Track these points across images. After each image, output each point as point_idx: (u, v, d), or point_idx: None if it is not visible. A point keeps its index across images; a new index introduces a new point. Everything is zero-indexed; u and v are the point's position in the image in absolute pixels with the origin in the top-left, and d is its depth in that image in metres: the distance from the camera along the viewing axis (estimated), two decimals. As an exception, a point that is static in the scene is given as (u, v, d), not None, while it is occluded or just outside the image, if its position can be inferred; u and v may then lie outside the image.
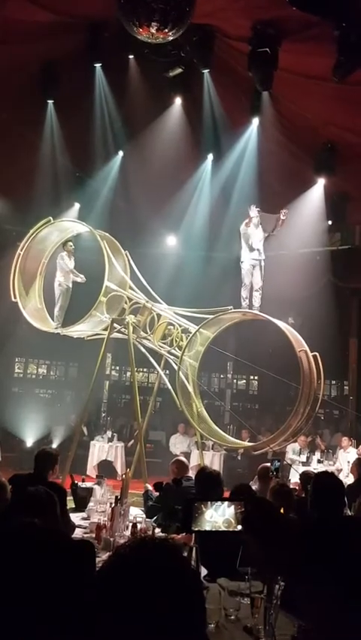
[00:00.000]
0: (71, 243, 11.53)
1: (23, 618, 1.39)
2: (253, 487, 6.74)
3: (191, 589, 1.22)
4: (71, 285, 11.43)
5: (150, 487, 7.33)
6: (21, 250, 11.16)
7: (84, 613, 1.21)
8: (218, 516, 2.76)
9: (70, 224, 11.83)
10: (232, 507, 2.76)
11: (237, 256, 12.57)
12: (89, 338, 11.52)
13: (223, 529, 2.75)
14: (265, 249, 11.00)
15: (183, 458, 7.72)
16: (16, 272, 11.08)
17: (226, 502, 2.76)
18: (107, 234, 11.22)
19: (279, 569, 2.84)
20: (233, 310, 10.69)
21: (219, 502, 2.76)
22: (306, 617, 2.57)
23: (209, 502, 2.76)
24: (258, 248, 10.81)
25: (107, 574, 1.23)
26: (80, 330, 11.19)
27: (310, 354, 10.25)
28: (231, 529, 2.75)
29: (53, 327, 11.26)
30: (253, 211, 10.80)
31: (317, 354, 10.27)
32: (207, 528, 2.75)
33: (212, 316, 10.65)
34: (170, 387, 11.10)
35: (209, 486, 5.39)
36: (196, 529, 2.76)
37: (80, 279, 11.49)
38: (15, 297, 10.96)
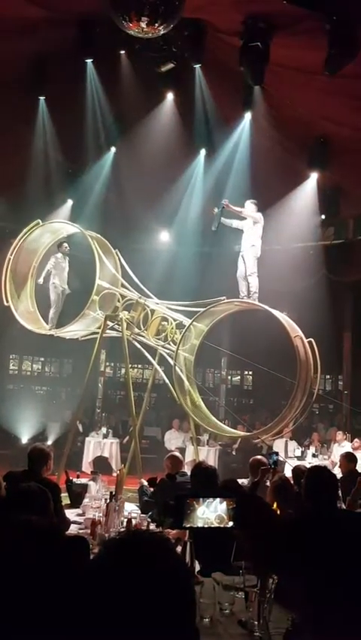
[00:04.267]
0: (66, 244, 11.51)
1: (16, 614, 1.39)
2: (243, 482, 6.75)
3: (180, 581, 1.22)
4: (67, 287, 11.41)
5: (145, 483, 7.34)
6: (11, 254, 11.12)
7: (77, 608, 1.21)
8: (210, 512, 2.76)
9: (60, 225, 11.78)
10: (224, 503, 2.76)
11: (231, 250, 12.57)
12: (83, 338, 11.50)
13: (216, 525, 2.74)
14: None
15: (177, 453, 7.71)
16: (7, 276, 11.04)
17: (218, 498, 2.76)
18: (97, 234, 11.20)
19: (271, 564, 2.84)
20: (226, 301, 10.67)
21: (211, 498, 2.76)
22: (299, 610, 2.57)
23: (201, 499, 2.76)
24: None
25: (96, 566, 1.23)
26: (74, 329, 11.17)
27: (306, 341, 10.26)
28: (223, 525, 2.75)
29: (47, 328, 11.25)
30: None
31: (312, 340, 10.27)
32: (200, 524, 2.75)
33: (204, 308, 10.63)
34: (167, 381, 11.10)
35: (205, 481, 5.40)
36: (188, 525, 2.76)
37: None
38: (7, 302, 10.94)
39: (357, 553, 2.70)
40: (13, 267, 11.14)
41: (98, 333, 10.86)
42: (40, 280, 11.30)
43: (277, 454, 7.08)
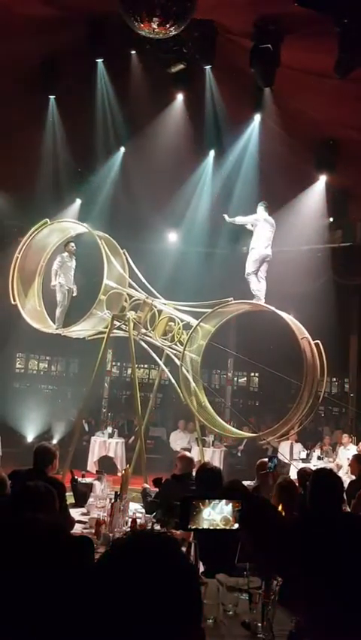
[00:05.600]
0: (72, 244, 11.53)
1: (20, 613, 1.40)
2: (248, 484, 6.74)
3: (187, 582, 1.22)
4: (72, 286, 11.42)
5: (148, 486, 7.35)
6: (19, 253, 11.15)
7: (82, 607, 1.22)
8: (216, 514, 2.76)
9: (69, 224, 11.80)
10: (230, 505, 2.76)
11: (238, 251, 12.58)
12: (90, 338, 11.51)
13: (221, 527, 2.74)
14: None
15: (190, 455, 7.61)
16: (15, 274, 11.06)
17: (224, 500, 2.76)
18: (105, 234, 11.21)
19: (275, 568, 2.84)
20: (233, 302, 10.67)
21: (216, 500, 2.76)
22: (303, 615, 2.57)
23: (207, 500, 2.76)
24: None
25: (103, 566, 1.24)
26: (81, 329, 11.18)
27: (313, 343, 10.25)
28: (229, 528, 2.75)
29: (54, 327, 11.27)
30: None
31: (319, 342, 10.26)
32: (205, 526, 2.75)
33: (212, 309, 10.64)
34: (173, 381, 11.10)
35: (210, 482, 5.40)
36: (194, 527, 2.76)
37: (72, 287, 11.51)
38: (15, 300, 10.96)
39: (361, 556, 2.69)
40: (20, 265, 11.16)
41: (104, 332, 10.87)
42: (53, 283, 11.32)
43: (276, 458, 7.07)
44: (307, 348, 10.20)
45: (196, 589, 1.26)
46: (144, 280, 10.99)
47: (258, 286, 10.57)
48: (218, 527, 2.74)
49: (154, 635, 1.13)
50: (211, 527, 2.74)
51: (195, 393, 11.01)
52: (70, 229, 11.74)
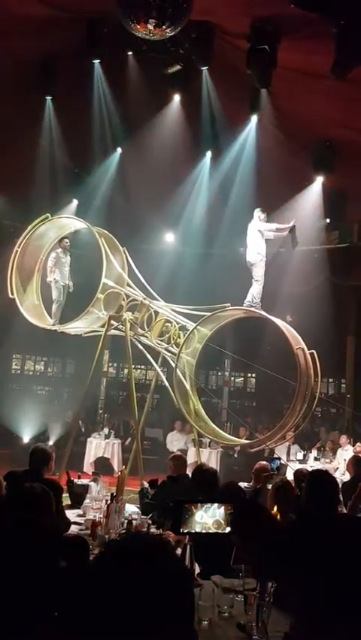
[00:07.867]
0: (67, 240, 11.52)
1: (16, 613, 1.39)
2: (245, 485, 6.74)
3: (180, 584, 1.22)
4: (68, 282, 11.41)
5: (147, 485, 7.33)
6: (18, 247, 11.16)
7: (76, 608, 1.22)
8: (208, 517, 2.76)
9: (68, 220, 11.83)
10: (222, 508, 2.76)
11: (236, 252, 12.58)
12: (86, 335, 11.52)
13: (213, 530, 2.74)
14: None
15: (181, 454, 7.63)
16: (14, 269, 11.08)
17: (216, 504, 2.76)
18: (105, 231, 11.20)
19: (268, 571, 2.84)
20: (230, 307, 10.69)
21: (209, 504, 2.76)
22: (298, 615, 2.57)
23: (199, 504, 2.76)
24: None
25: (97, 567, 1.24)
26: (78, 327, 11.19)
27: (308, 352, 10.26)
28: (221, 531, 2.75)
29: (51, 323, 11.27)
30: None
31: (314, 352, 10.27)
32: (197, 530, 2.75)
33: (209, 313, 10.64)
34: (167, 384, 11.10)
35: (206, 484, 5.40)
36: (186, 531, 2.76)
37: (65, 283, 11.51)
38: (13, 294, 10.97)
39: (357, 557, 2.69)
40: (19, 260, 11.17)
41: (101, 331, 10.87)
42: (49, 279, 11.32)
43: (279, 459, 7.07)
44: (301, 358, 10.21)
45: (188, 590, 1.25)
46: (143, 280, 10.98)
47: (251, 291, 10.65)
48: (210, 531, 2.74)
49: (145, 637, 1.13)
50: (203, 531, 2.74)
51: (190, 396, 11.01)
52: (69, 225, 11.75)
